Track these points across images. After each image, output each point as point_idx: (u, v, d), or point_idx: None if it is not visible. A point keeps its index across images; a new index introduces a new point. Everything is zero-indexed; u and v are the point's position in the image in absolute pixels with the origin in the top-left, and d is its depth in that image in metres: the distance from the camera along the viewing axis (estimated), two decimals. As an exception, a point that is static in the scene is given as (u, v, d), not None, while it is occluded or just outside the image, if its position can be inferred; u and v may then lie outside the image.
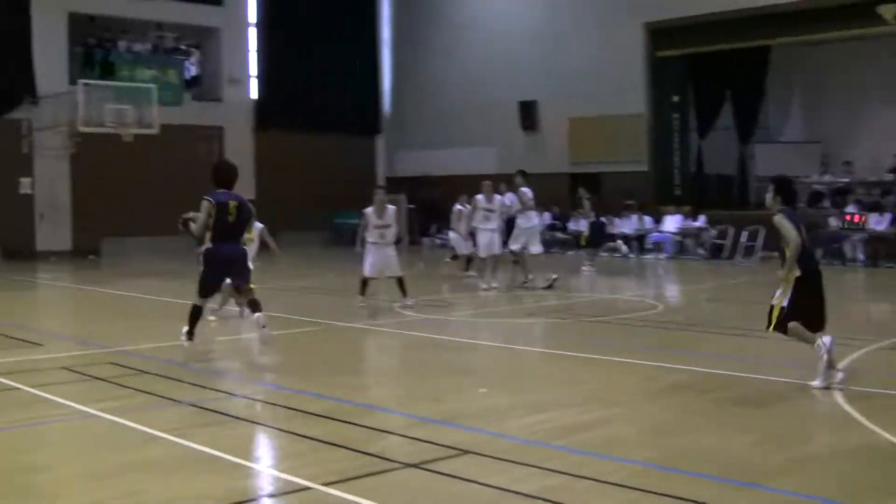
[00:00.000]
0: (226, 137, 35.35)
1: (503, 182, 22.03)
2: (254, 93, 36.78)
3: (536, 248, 21.10)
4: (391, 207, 17.42)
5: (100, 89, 30.18)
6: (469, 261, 23.35)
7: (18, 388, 10.37)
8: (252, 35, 36.89)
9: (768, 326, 10.20)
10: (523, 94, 34.67)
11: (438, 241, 35.21)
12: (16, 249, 30.64)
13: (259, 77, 36.90)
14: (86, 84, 29.76)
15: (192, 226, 12.90)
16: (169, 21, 35.58)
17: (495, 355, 13.21)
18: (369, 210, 17.28)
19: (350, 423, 8.73)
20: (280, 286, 21.53)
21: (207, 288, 12.40)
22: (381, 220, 17.19)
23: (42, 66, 31.43)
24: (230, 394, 10.40)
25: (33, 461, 7.78)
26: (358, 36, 38.62)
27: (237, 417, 9.21)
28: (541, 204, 32.69)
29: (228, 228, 11.96)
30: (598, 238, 28.03)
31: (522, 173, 21.01)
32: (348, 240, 32.57)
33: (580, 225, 29.08)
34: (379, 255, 17.23)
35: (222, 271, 12.38)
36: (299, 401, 9.77)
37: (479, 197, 21.03)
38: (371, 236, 17.22)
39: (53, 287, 23.61)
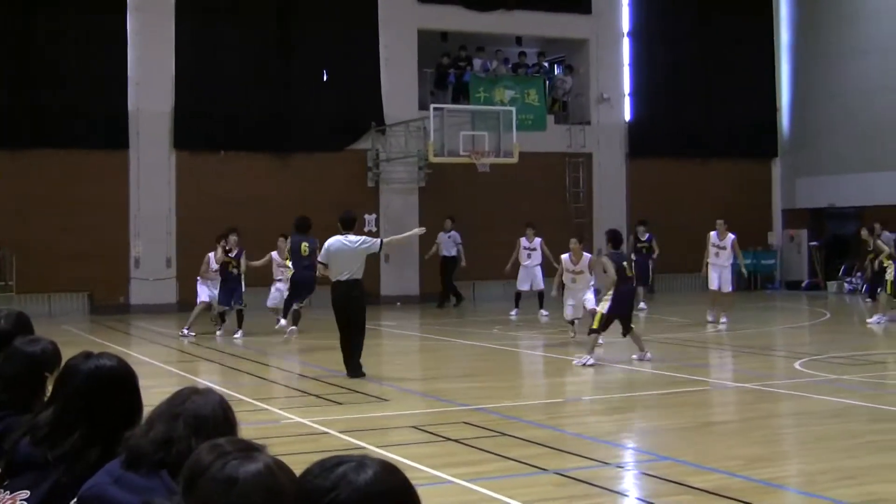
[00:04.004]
0: (595, 166, 35.72)
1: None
2: (627, 114, 36.99)
3: None
4: (587, 255, 21.06)
5: (453, 114, 31.03)
6: None
7: (364, 448, 10.84)
8: (625, 47, 37.15)
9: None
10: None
11: (848, 286, 33.92)
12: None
13: (633, 95, 37.02)
14: (437, 109, 30.67)
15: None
16: (530, 34, 36.42)
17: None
18: (565, 256, 21.04)
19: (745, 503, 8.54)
20: (661, 337, 21.51)
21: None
22: (577, 266, 20.70)
23: (390, 91, 33.03)
24: (602, 462, 10.43)
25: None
26: (750, 41, 37.81)
27: (606, 489, 9.22)
28: None
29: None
30: None
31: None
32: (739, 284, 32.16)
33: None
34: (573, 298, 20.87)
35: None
36: (682, 473, 9.66)
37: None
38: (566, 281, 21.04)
39: (400, 336, 24.60)
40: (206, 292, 23.74)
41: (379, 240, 17.17)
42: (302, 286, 21.72)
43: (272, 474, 2.78)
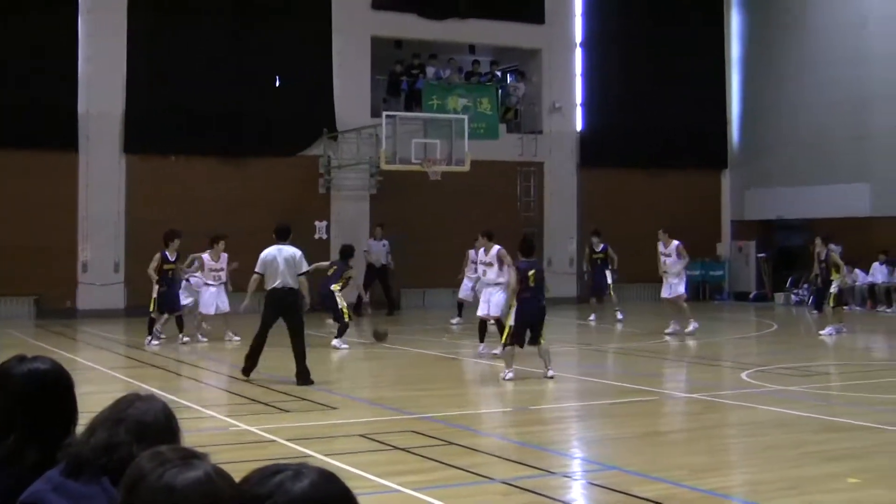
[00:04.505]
0: (546, 175, 35.79)
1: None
2: (579, 123, 37.11)
3: None
4: (497, 247, 20.27)
5: (405, 122, 30.87)
6: None
7: (311, 456, 10.81)
8: (577, 57, 37.23)
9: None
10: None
11: (795, 298, 34.20)
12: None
13: (585, 105, 37.15)
14: (390, 116, 30.43)
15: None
16: (483, 43, 36.51)
17: (876, 440, 12.44)
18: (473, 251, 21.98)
19: (689, 512, 8.60)
20: (612, 348, 21.58)
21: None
22: (487, 258, 20.42)
23: (343, 97, 32.98)
24: (548, 471, 10.46)
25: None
26: (702, 55, 38.05)
27: (553, 498, 9.25)
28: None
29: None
30: None
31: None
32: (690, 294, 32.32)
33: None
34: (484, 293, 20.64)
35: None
36: (628, 482, 9.70)
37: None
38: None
39: (349, 344, 24.52)
40: (183, 297, 23.57)
41: (307, 265, 17.59)
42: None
43: (211, 482, 2.77)
